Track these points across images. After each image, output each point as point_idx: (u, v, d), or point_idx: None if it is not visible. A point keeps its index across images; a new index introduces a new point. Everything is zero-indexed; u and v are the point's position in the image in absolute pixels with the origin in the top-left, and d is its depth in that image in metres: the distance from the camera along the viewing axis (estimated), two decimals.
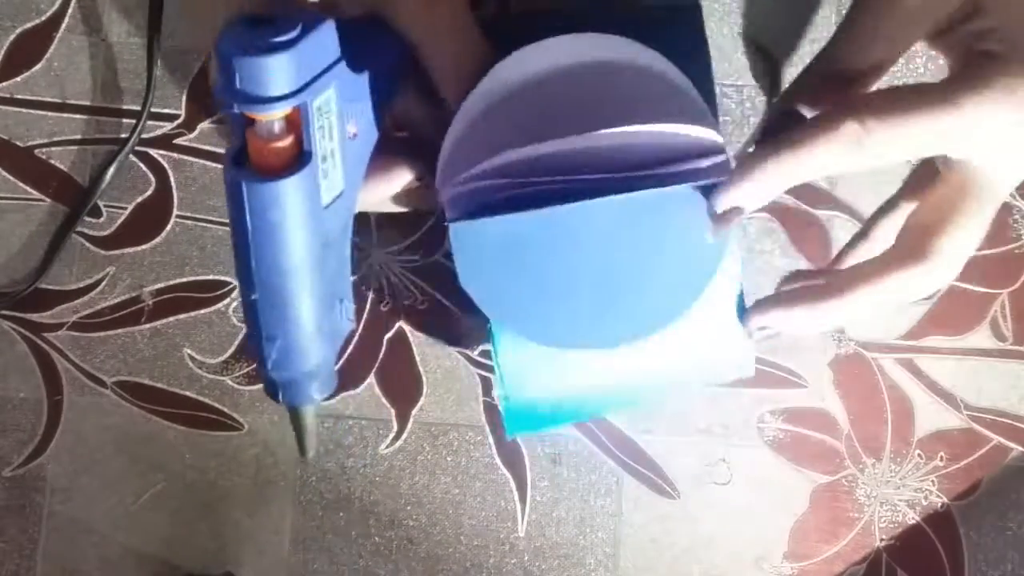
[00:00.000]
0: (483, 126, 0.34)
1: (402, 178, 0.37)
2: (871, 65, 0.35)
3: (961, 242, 0.34)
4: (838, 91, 0.35)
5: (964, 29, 0.33)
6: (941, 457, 0.52)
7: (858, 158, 0.32)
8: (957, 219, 0.34)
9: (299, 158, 0.30)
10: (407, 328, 0.53)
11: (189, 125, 0.54)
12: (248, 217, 0.29)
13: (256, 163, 0.30)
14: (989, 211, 0.34)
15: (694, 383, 0.43)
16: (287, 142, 0.29)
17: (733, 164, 0.34)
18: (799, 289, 0.37)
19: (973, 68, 0.32)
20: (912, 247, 0.35)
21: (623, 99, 0.34)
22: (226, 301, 0.53)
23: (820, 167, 0.32)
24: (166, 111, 0.54)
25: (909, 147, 0.32)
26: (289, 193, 0.29)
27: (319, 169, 0.30)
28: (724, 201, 0.34)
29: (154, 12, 0.52)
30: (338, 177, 0.32)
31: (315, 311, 0.32)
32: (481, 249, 0.36)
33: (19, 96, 0.54)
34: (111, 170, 0.53)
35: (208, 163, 0.54)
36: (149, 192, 0.54)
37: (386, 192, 0.37)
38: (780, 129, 0.34)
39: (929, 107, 0.31)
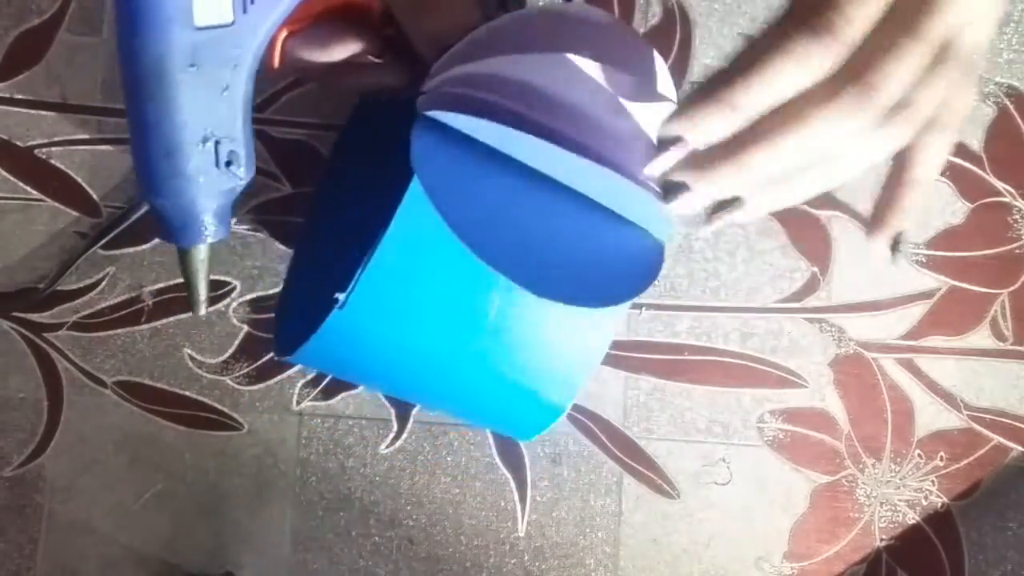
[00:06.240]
0: (481, 39, 0.36)
1: (341, 50, 0.39)
2: None
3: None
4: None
5: None
6: (941, 457, 0.52)
7: (824, 52, 0.27)
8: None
9: None
10: None
11: None
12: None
13: None
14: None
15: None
16: None
17: None
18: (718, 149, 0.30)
19: None
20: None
21: (593, 47, 0.35)
22: (226, 301, 0.53)
23: (778, 81, 0.28)
24: None
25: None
26: None
27: None
28: (669, 126, 0.30)
29: None
30: (226, 7, 0.33)
31: (174, 134, 0.34)
32: (440, 147, 0.35)
33: (19, 96, 0.54)
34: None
35: None
36: None
37: (320, 57, 0.39)
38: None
39: None
